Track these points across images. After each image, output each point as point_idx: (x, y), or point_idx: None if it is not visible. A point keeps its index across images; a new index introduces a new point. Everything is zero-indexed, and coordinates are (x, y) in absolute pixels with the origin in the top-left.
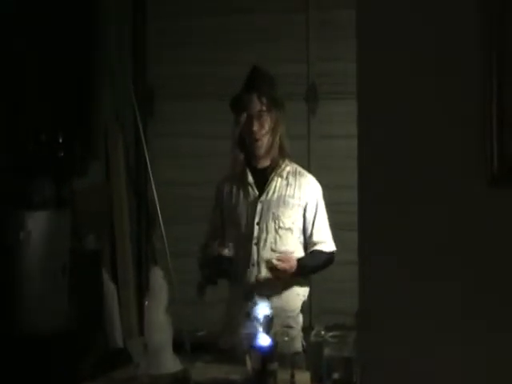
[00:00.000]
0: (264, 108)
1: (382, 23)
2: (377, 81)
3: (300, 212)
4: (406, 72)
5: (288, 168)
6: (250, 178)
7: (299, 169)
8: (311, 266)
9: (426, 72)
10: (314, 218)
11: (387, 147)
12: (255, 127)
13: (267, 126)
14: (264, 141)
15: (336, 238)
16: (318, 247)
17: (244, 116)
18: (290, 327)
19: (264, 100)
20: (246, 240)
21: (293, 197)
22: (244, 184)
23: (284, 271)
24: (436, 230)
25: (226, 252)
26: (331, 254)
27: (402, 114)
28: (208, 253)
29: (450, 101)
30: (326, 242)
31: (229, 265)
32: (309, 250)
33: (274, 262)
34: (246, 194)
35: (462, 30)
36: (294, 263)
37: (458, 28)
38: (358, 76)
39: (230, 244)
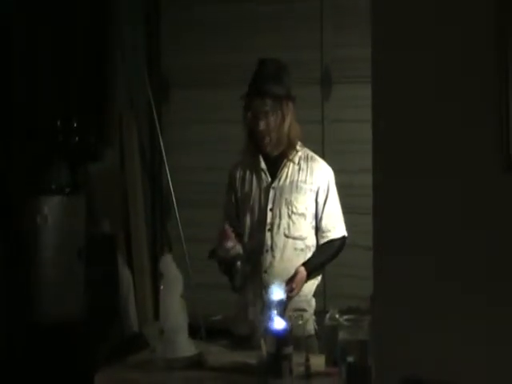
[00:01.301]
0: (268, 109)
1: (396, 8)
2: (391, 65)
3: (312, 197)
4: (420, 56)
5: (300, 153)
6: (263, 164)
7: (311, 154)
8: (320, 264)
9: (440, 56)
10: (325, 202)
11: (401, 131)
12: (261, 127)
13: (272, 124)
14: (272, 137)
15: (349, 222)
16: (326, 237)
17: (250, 115)
18: (304, 311)
19: (267, 101)
20: (259, 226)
21: (305, 182)
22: (257, 170)
23: (299, 288)
24: (451, 215)
25: (236, 249)
26: (342, 239)
27: (416, 97)
28: (220, 257)
29: (466, 85)
30: (335, 228)
31: (241, 262)
32: (319, 240)
33: (287, 291)
34: (259, 180)
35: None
36: (303, 275)
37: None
38: (373, 61)
39: (235, 240)
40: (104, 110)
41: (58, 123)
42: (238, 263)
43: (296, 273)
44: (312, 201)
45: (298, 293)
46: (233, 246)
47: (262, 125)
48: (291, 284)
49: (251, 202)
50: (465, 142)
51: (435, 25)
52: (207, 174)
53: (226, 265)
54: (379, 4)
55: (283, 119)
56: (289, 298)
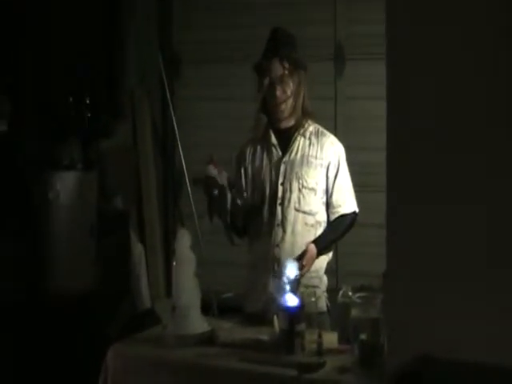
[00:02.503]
0: (286, 72)
1: None
2: (405, 41)
3: (323, 172)
4: (436, 32)
5: (311, 128)
6: (274, 139)
7: (321, 129)
8: (331, 241)
9: (455, 33)
10: (335, 177)
11: (415, 108)
12: (278, 92)
13: (289, 90)
14: (287, 104)
15: (361, 199)
16: (337, 213)
17: (267, 80)
18: (315, 287)
19: (285, 64)
20: (270, 201)
21: (315, 157)
22: (268, 145)
23: (309, 266)
24: (466, 189)
25: (211, 172)
26: (352, 214)
27: (431, 73)
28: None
29: (478, 61)
30: (345, 203)
31: (220, 193)
32: (330, 215)
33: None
34: (270, 154)
35: None
36: (313, 252)
37: None
38: (387, 37)
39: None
40: (116, 85)
41: (71, 99)
42: (215, 191)
43: (306, 250)
44: (323, 176)
45: (309, 270)
46: (212, 169)
47: (279, 89)
48: (302, 261)
49: (262, 177)
50: (477, 116)
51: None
52: (219, 149)
53: (202, 186)
54: None
55: (300, 86)
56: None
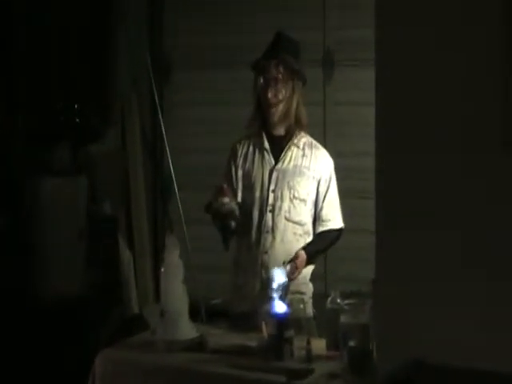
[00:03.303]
0: (280, 76)
1: None
2: (394, 47)
3: (314, 184)
4: (423, 39)
5: (304, 139)
6: (266, 144)
7: (314, 142)
8: (318, 251)
9: (444, 37)
10: (326, 193)
11: (404, 113)
12: (269, 93)
13: (281, 95)
14: (278, 109)
15: (350, 205)
16: (326, 226)
17: (261, 79)
18: (303, 293)
19: (281, 68)
20: (260, 206)
21: (308, 168)
22: (260, 149)
23: (300, 270)
24: (452, 196)
25: (231, 205)
26: (339, 231)
27: (419, 78)
28: (214, 211)
29: (468, 65)
30: (335, 219)
31: (236, 222)
32: (317, 228)
33: (289, 272)
34: (262, 159)
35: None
36: (303, 258)
37: None
38: (377, 43)
39: (232, 198)
40: (106, 90)
41: (60, 104)
42: (233, 223)
43: (297, 255)
44: (313, 188)
45: (300, 273)
46: (228, 201)
47: (271, 92)
48: (294, 264)
49: (252, 180)
50: (466, 121)
51: (440, 4)
52: (208, 155)
53: (220, 220)
54: None
55: (293, 93)
56: (290, 279)
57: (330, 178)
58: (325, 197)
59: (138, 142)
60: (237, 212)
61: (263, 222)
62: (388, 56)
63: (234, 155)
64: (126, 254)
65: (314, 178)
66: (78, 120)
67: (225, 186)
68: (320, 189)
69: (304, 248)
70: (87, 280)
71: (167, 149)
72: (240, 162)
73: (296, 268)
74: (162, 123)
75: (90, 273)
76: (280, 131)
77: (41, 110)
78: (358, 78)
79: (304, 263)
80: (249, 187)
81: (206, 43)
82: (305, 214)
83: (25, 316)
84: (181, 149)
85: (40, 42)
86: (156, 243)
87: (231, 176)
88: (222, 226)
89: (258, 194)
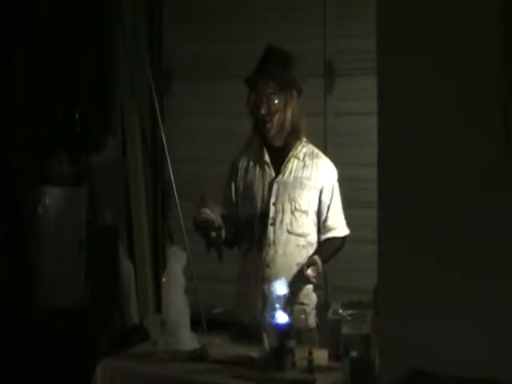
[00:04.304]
0: (271, 91)
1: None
2: (396, 57)
3: (316, 195)
4: (424, 48)
5: (304, 149)
6: (267, 157)
7: (316, 150)
8: (327, 258)
9: (446, 48)
10: (330, 201)
11: (407, 124)
12: (263, 110)
13: (275, 108)
14: (273, 122)
15: (351, 215)
16: (331, 234)
17: (253, 96)
18: (305, 304)
19: (272, 84)
20: (261, 219)
21: (309, 179)
22: (260, 162)
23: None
24: (454, 207)
25: (209, 216)
26: (344, 238)
27: (421, 89)
28: (196, 222)
29: (471, 76)
30: (340, 227)
31: (217, 233)
32: (322, 236)
33: (312, 276)
34: (263, 172)
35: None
36: (321, 264)
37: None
38: (378, 53)
39: (213, 209)
40: (106, 100)
41: (60, 113)
42: (213, 234)
43: (313, 261)
44: (315, 198)
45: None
46: (208, 212)
47: (264, 108)
48: (316, 269)
49: (254, 194)
50: (470, 133)
51: (441, 14)
52: (208, 165)
53: (199, 229)
54: None
55: (286, 105)
56: (312, 282)
57: (333, 187)
58: (329, 206)
59: (139, 151)
60: (217, 222)
61: (264, 234)
62: (389, 65)
63: (234, 171)
64: (126, 264)
65: (315, 188)
66: (78, 130)
67: (205, 195)
68: (323, 198)
69: (316, 253)
70: (87, 290)
71: (168, 158)
72: (241, 176)
73: (318, 273)
74: (162, 132)
75: (90, 283)
76: (279, 142)
77: (41, 119)
78: (358, 87)
79: (320, 266)
80: (250, 201)
81: (207, 53)
82: (307, 225)
83: (24, 327)
84: (181, 158)
85: (40, 52)
86: (157, 252)
87: (231, 192)
88: (203, 235)
89: (259, 207)
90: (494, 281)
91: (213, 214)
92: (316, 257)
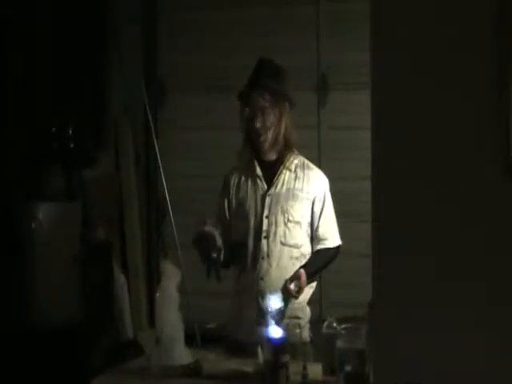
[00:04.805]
0: (266, 104)
1: (395, 14)
2: (390, 72)
3: (308, 206)
4: (419, 62)
5: (296, 161)
6: (259, 171)
7: (307, 162)
8: (316, 270)
9: (440, 61)
10: (321, 211)
11: (400, 137)
12: (258, 124)
13: (270, 122)
14: (268, 136)
15: (345, 229)
16: (323, 244)
17: (247, 111)
18: (299, 318)
19: (266, 96)
20: (254, 233)
21: (301, 190)
22: (252, 176)
23: (303, 290)
24: (450, 219)
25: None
26: (336, 248)
27: (415, 102)
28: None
29: (466, 90)
30: (332, 237)
31: (217, 254)
32: (314, 247)
33: (293, 291)
34: (255, 186)
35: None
36: (305, 277)
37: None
38: (372, 68)
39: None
40: (99, 115)
41: (54, 129)
42: (214, 254)
43: (299, 275)
44: (308, 209)
45: (302, 293)
46: (212, 230)
47: (259, 121)
48: (298, 283)
49: (246, 208)
50: (464, 146)
51: (436, 28)
52: (203, 180)
53: (198, 241)
54: (378, 10)
55: (281, 118)
56: (294, 297)
57: (325, 197)
58: (320, 216)
59: (132, 165)
60: (218, 242)
61: (258, 248)
62: (383, 80)
63: (226, 187)
64: (120, 279)
65: (307, 199)
66: (71, 145)
67: (208, 220)
68: (315, 208)
69: (303, 267)
70: (81, 306)
71: (162, 172)
72: (233, 192)
73: (300, 288)
74: (156, 146)
75: (83, 298)
76: (271, 156)
77: (34, 134)
78: (352, 101)
79: (306, 282)
80: (243, 215)
81: (201, 66)
82: (300, 237)
83: (18, 343)
84: (175, 172)
85: (33, 66)
86: (150, 267)
87: (224, 210)
88: (203, 255)
89: (252, 220)
90: (491, 296)
91: (214, 230)
92: (302, 270)
